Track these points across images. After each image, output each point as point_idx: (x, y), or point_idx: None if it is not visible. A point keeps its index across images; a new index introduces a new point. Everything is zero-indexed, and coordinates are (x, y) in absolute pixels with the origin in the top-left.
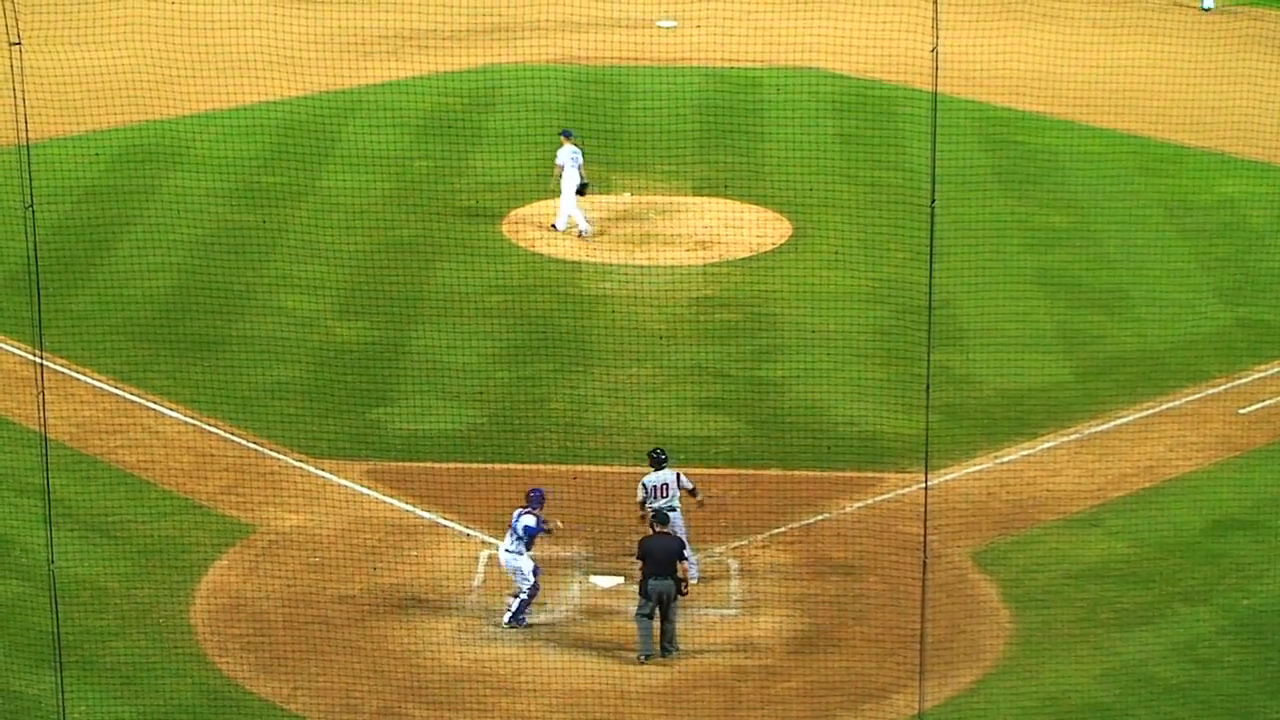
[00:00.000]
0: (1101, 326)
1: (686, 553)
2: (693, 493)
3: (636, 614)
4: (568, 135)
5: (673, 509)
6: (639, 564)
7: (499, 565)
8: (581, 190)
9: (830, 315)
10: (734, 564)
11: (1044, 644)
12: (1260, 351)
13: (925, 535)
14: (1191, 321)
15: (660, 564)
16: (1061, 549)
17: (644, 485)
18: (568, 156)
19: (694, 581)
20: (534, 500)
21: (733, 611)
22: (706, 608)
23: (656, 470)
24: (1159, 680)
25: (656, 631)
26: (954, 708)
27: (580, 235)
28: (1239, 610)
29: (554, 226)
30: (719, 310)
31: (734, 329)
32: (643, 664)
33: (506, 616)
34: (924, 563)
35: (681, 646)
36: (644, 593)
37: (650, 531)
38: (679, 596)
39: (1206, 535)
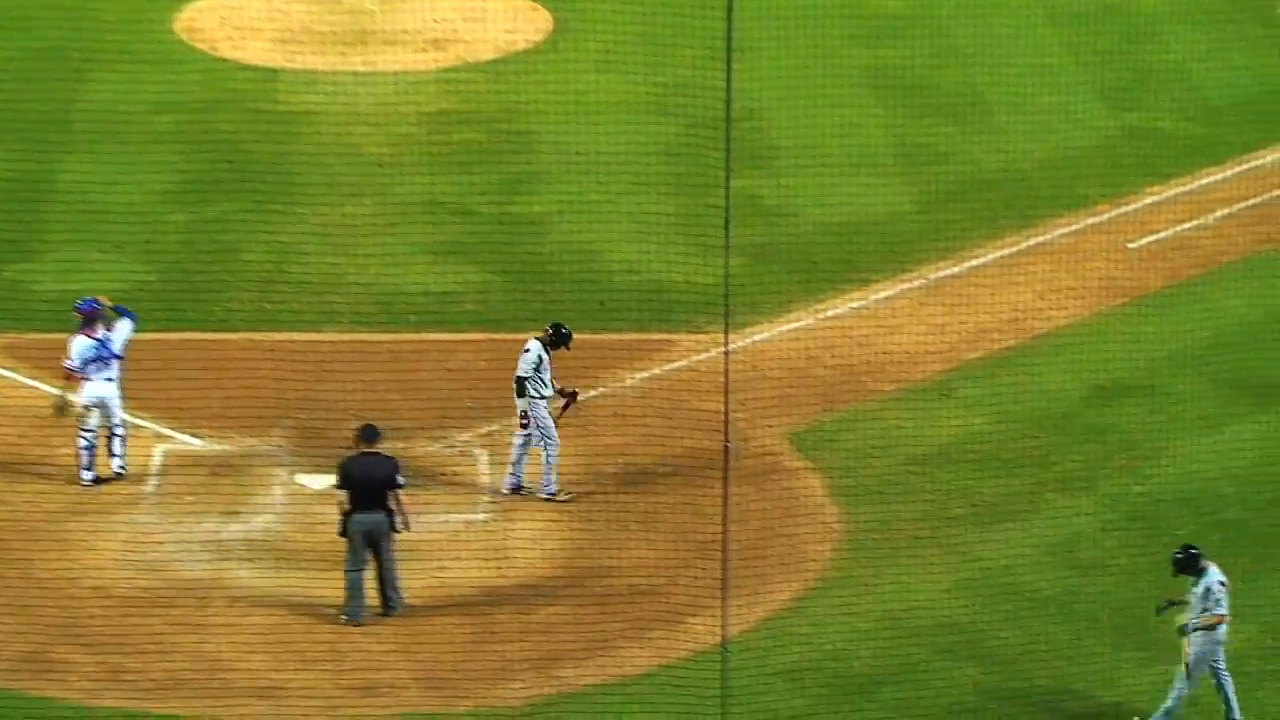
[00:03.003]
0: (951, 140)
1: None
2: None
3: (346, 567)
4: None
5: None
6: (340, 494)
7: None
8: None
9: (602, 133)
10: (483, 456)
11: (882, 548)
12: (1153, 168)
13: (726, 413)
14: (1066, 132)
15: (368, 493)
16: (903, 427)
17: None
18: None
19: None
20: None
21: (482, 517)
22: (449, 513)
23: (556, 347)
24: (1029, 591)
25: (370, 585)
26: (768, 632)
27: None
28: (1130, 499)
29: None
30: (458, 128)
31: (478, 152)
32: (345, 624)
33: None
34: (725, 448)
35: (406, 600)
36: (344, 531)
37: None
38: (394, 534)
39: (1087, 405)
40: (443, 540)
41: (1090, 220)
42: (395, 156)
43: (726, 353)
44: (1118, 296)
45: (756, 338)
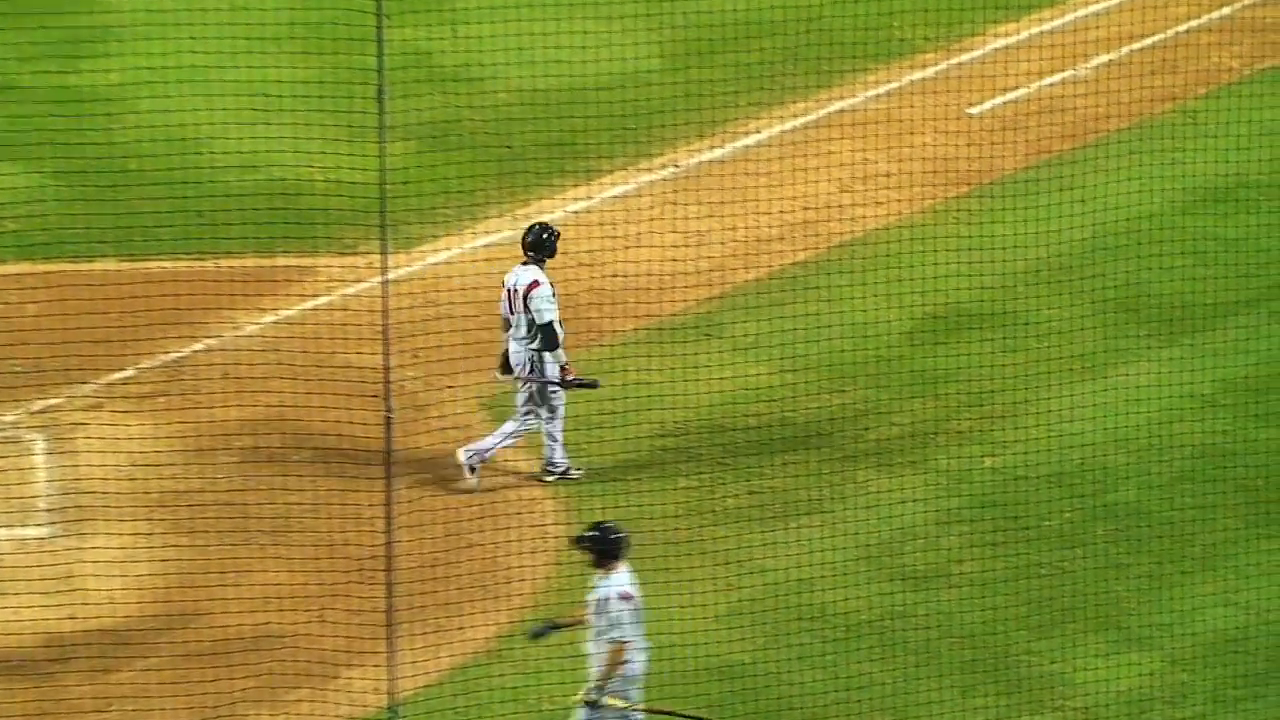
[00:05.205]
0: None
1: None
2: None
3: None
4: None
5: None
6: None
7: None
8: None
9: None
10: (39, 440)
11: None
12: None
13: (387, 370)
14: None
15: None
16: (650, 383)
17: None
18: None
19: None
20: None
21: (43, 531)
22: None
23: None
24: (836, 614)
25: None
26: (461, 687)
27: None
28: (979, 478)
29: None
30: None
31: (25, 9)
32: None
33: None
34: (388, 421)
35: None
36: None
37: None
38: None
39: (915, 343)
40: None
41: (913, 75)
42: None
43: (386, 282)
44: (955, 185)
45: (433, 259)
